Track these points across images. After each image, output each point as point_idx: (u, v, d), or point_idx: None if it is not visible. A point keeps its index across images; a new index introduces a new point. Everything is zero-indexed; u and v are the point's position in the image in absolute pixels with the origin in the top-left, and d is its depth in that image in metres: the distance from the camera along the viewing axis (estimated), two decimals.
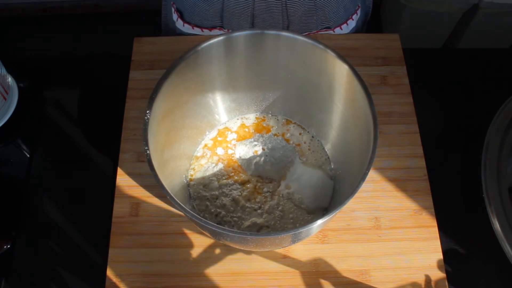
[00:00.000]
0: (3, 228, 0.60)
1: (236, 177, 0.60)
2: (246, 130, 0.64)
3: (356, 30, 0.77)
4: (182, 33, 0.77)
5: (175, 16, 0.75)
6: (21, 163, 0.64)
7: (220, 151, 0.62)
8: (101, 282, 0.54)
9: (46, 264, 0.57)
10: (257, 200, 0.58)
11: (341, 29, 0.74)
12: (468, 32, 1.19)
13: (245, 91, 0.61)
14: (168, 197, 0.43)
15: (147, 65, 0.68)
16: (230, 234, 0.44)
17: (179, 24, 0.74)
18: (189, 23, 0.73)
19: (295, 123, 0.64)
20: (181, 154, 0.59)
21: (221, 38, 0.51)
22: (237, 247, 0.55)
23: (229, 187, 0.59)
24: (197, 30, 0.73)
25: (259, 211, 0.58)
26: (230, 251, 0.56)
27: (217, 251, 0.56)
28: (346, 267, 0.55)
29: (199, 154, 0.62)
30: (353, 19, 0.74)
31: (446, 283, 0.54)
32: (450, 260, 0.56)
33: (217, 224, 0.53)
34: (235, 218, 0.57)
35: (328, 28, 0.73)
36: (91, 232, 0.59)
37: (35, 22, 1.51)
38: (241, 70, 0.58)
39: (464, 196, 0.61)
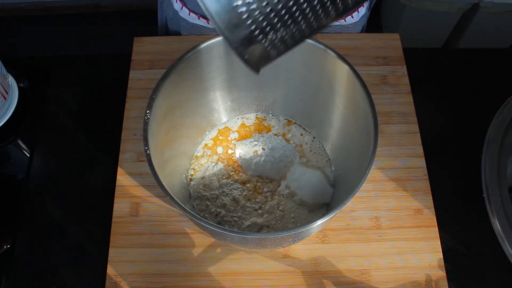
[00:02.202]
0: (3, 228, 0.60)
1: (236, 177, 0.60)
2: (247, 129, 0.64)
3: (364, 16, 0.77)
4: (180, 33, 0.76)
5: (178, 5, 0.73)
6: (21, 163, 0.64)
7: (220, 150, 0.62)
8: (101, 282, 0.54)
9: (46, 264, 0.57)
10: (257, 200, 0.58)
11: (358, 12, 0.73)
12: (468, 32, 1.19)
13: (245, 91, 0.61)
14: (168, 197, 0.43)
15: (147, 65, 0.68)
16: (230, 234, 0.44)
17: (184, 13, 0.72)
18: (194, 13, 0.72)
19: (296, 123, 0.64)
20: (181, 153, 0.59)
21: (221, 37, 0.51)
22: (237, 247, 0.55)
23: (229, 186, 0.59)
24: (202, 21, 0.72)
25: (259, 211, 0.58)
26: (230, 251, 0.56)
27: (218, 250, 0.56)
28: (346, 267, 0.55)
29: (199, 154, 0.62)
30: (363, 6, 0.74)
31: (447, 283, 0.54)
32: (450, 259, 0.56)
33: (217, 223, 0.53)
34: (235, 218, 0.57)
35: None
36: (91, 232, 0.59)
37: (35, 22, 1.51)
38: (241, 70, 0.57)
39: (464, 196, 0.61)
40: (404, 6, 1.15)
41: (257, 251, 0.56)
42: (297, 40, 0.33)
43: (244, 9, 0.29)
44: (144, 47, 0.70)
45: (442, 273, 0.55)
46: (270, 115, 0.65)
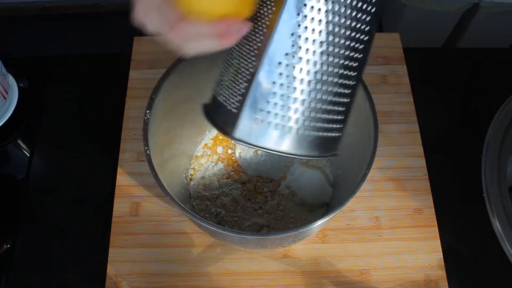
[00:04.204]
0: (3, 228, 0.60)
1: (236, 177, 0.60)
2: None
3: None
4: None
5: None
6: (21, 163, 0.64)
7: (220, 150, 0.62)
8: (101, 282, 0.54)
9: (46, 263, 0.57)
10: (258, 200, 0.58)
11: None
12: (468, 32, 1.19)
13: None
14: (168, 197, 0.43)
15: (147, 65, 0.68)
16: (230, 234, 0.44)
17: None
18: None
19: None
20: (181, 153, 0.59)
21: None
22: (237, 247, 0.55)
23: (229, 186, 0.59)
24: None
25: (259, 211, 0.58)
26: (230, 251, 0.56)
27: (217, 250, 0.56)
28: (346, 267, 0.55)
29: (199, 154, 0.62)
30: None
31: (446, 283, 0.54)
32: (450, 259, 0.56)
33: (217, 223, 0.53)
34: (235, 218, 0.57)
35: None
36: (91, 232, 0.59)
37: (35, 21, 1.51)
38: None
39: (464, 196, 0.61)
40: (404, 6, 1.15)
41: (257, 251, 0.56)
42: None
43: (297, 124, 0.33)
44: (144, 47, 0.70)
45: (442, 273, 0.55)
46: None
